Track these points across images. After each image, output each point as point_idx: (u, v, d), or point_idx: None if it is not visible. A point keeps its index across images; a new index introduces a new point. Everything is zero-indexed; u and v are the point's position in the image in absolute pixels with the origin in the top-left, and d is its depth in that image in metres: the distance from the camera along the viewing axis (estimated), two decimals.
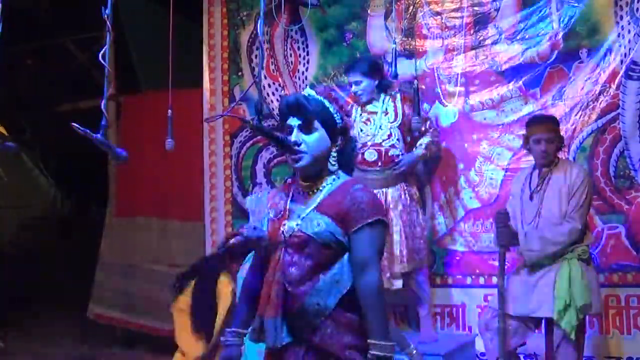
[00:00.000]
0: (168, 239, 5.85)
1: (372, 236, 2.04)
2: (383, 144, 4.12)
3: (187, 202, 5.70)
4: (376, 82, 4.17)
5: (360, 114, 4.24)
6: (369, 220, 2.03)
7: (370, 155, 4.11)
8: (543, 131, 3.61)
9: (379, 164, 4.11)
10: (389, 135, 4.14)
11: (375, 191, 4.03)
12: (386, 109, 4.19)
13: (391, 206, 4.11)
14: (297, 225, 2.07)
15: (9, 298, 6.29)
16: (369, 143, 4.13)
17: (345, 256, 2.06)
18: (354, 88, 4.19)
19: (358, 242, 2.03)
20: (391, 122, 4.15)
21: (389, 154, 4.12)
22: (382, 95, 4.22)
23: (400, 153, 4.14)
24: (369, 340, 1.98)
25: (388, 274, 4.03)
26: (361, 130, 4.18)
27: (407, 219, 4.14)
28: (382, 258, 2.12)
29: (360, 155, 4.12)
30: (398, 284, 4.09)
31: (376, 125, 4.16)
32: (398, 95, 4.22)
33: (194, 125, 5.46)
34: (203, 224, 5.50)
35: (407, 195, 4.19)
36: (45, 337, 6.06)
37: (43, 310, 6.54)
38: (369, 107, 4.22)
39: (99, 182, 6.55)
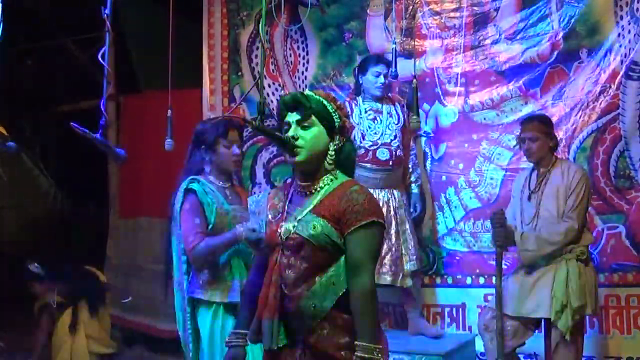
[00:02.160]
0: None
1: (367, 238, 2.02)
2: (392, 143, 4.17)
3: None
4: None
5: (366, 111, 4.25)
6: (364, 222, 2.01)
7: (383, 154, 4.15)
8: (527, 130, 3.66)
9: (390, 163, 4.15)
10: (395, 137, 4.20)
11: (384, 191, 4.12)
12: (389, 111, 4.24)
13: (397, 205, 4.18)
14: (294, 227, 2.07)
15: (9, 298, 6.29)
16: (380, 142, 4.16)
17: (342, 258, 2.05)
18: (381, 79, 4.18)
19: (352, 244, 2.02)
20: (396, 124, 4.23)
21: (397, 153, 4.19)
22: (385, 97, 4.30)
23: (402, 154, 4.24)
24: (355, 342, 1.98)
25: (401, 275, 4.10)
26: (369, 128, 4.20)
27: (411, 218, 4.27)
28: (377, 260, 2.10)
29: (370, 154, 4.15)
30: (409, 282, 4.15)
31: (384, 124, 4.20)
32: (396, 102, 4.33)
33: (194, 125, 5.45)
34: None
35: (407, 195, 4.32)
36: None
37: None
38: (374, 106, 4.25)
39: (98, 182, 6.54)
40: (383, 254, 4.04)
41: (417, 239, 4.29)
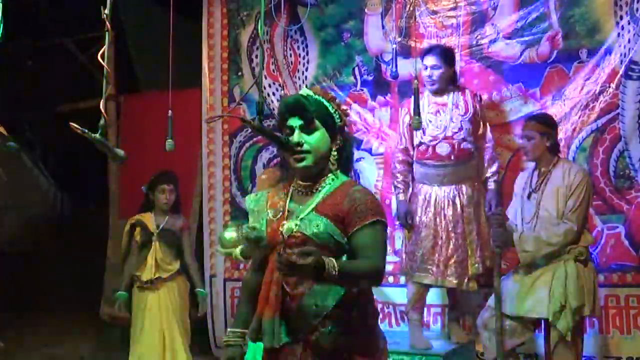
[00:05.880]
0: None
1: (372, 234, 2.03)
2: (455, 137, 3.96)
3: (186, 202, 5.70)
4: (450, 72, 4.05)
5: (428, 104, 4.02)
6: (367, 222, 2.02)
7: (443, 148, 3.94)
8: (525, 128, 3.69)
9: (452, 157, 3.95)
10: (460, 129, 3.98)
11: (449, 188, 3.94)
12: (456, 101, 4.02)
13: (465, 203, 3.98)
14: (296, 225, 2.07)
15: (9, 298, 6.30)
16: (441, 136, 3.96)
17: (344, 258, 2.05)
18: (428, 72, 3.97)
19: (358, 239, 2.03)
20: (462, 116, 4.00)
21: (462, 146, 3.98)
22: (451, 87, 4.07)
23: (472, 147, 4.02)
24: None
25: (466, 278, 3.93)
26: (430, 122, 3.97)
27: (477, 216, 4.03)
28: (385, 253, 2.09)
29: (430, 150, 3.96)
30: (474, 286, 3.97)
31: (447, 117, 3.98)
32: (467, 90, 4.11)
33: (194, 125, 5.46)
34: (201, 224, 5.51)
35: (477, 191, 4.07)
36: (45, 337, 6.05)
37: (43, 310, 6.53)
38: (438, 99, 4.02)
39: (98, 181, 6.54)
40: (449, 254, 3.90)
41: (484, 240, 3.98)
